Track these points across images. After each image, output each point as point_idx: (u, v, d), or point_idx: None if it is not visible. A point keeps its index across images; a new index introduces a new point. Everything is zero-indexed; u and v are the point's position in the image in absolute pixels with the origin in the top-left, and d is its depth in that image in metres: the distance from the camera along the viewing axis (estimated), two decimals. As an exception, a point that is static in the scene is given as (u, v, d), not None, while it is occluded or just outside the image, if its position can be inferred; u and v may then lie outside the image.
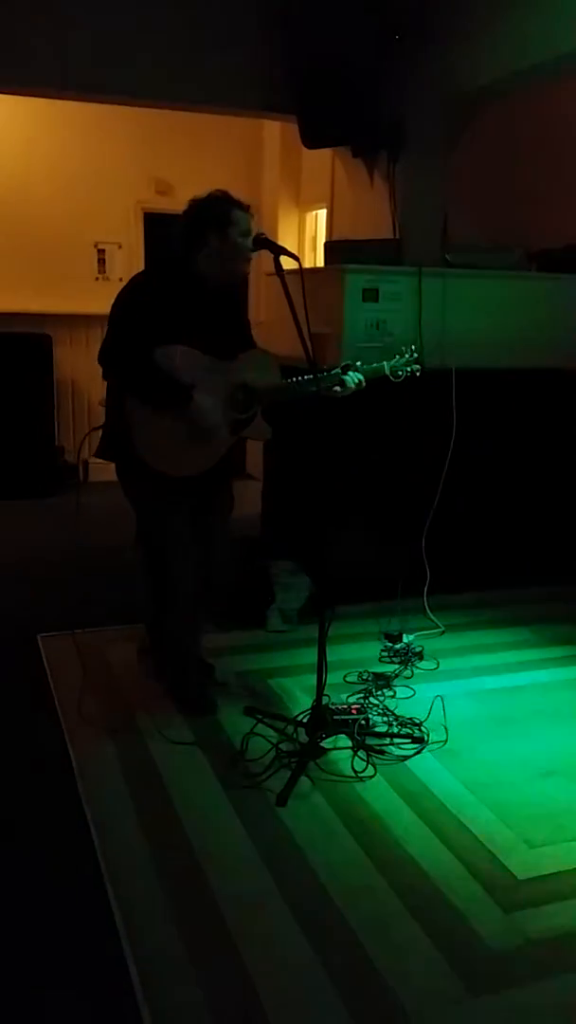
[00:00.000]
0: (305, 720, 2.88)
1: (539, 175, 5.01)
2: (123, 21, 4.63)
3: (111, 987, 1.90)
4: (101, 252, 6.85)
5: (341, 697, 3.15)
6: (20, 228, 6.64)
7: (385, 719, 3.03)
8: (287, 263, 2.80)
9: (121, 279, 6.22)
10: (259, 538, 4.70)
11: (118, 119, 6.30)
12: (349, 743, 2.85)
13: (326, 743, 2.83)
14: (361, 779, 2.70)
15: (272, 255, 2.81)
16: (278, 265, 2.78)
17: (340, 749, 2.84)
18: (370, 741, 2.87)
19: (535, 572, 4.42)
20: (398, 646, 3.63)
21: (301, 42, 4.73)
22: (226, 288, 3.00)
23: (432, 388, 4.04)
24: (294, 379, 2.95)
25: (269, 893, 2.20)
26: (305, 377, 2.86)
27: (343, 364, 2.99)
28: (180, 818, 2.49)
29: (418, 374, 3.16)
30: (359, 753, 2.80)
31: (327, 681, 2.86)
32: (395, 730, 2.96)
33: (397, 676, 3.41)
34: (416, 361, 3.13)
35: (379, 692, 3.25)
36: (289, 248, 2.88)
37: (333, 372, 2.95)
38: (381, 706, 3.13)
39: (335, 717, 2.90)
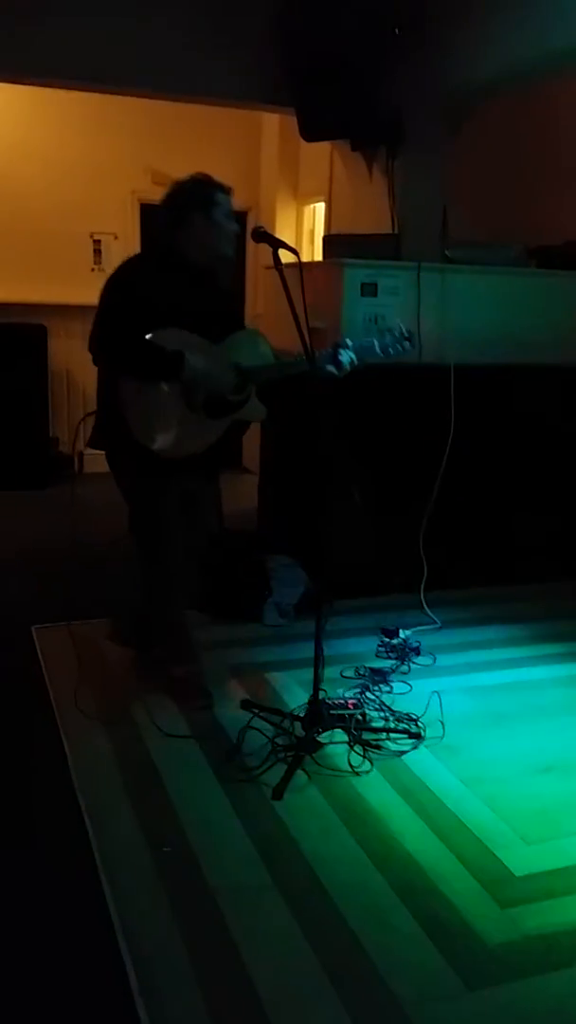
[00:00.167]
0: (302, 714, 2.87)
1: (538, 171, 5.00)
2: (121, 12, 4.60)
3: (107, 981, 1.90)
4: (97, 243, 6.82)
5: (338, 692, 3.15)
6: (15, 218, 6.60)
7: (382, 714, 3.03)
8: (286, 256, 2.78)
9: (117, 270, 6.19)
10: (255, 532, 4.69)
11: (115, 110, 6.26)
12: (345, 738, 2.84)
13: (322, 738, 2.83)
14: (357, 774, 2.70)
15: (271, 248, 2.79)
16: (276, 259, 2.76)
17: (336, 744, 2.83)
18: (366, 736, 2.87)
19: (533, 568, 4.42)
20: (395, 641, 3.62)
21: (301, 35, 4.71)
22: (212, 270, 3.01)
23: (430, 384, 4.05)
24: (286, 359, 2.95)
25: (265, 887, 2.20)
26: (297, 356, 2.86)
27: (334, 343, 2.97)
28: (176, 811, 2.48)
29: (409, 351, 3.11)
30: (355, 748, 2.80)
31: (324, 676, 2.85)
32: (392, 725, 2.96)
33: (394, 671, 3.40)
34: (406, 338, 3.07)
35: (376, 687, 3.25)
36: (287, 241, 2.87)
37: (325, 352, 2.93)
38: (378, 701, 3.12)
39: (331, 712, 2.89)
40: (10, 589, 4.28)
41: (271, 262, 2.80)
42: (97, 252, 6.80)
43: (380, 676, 3.34)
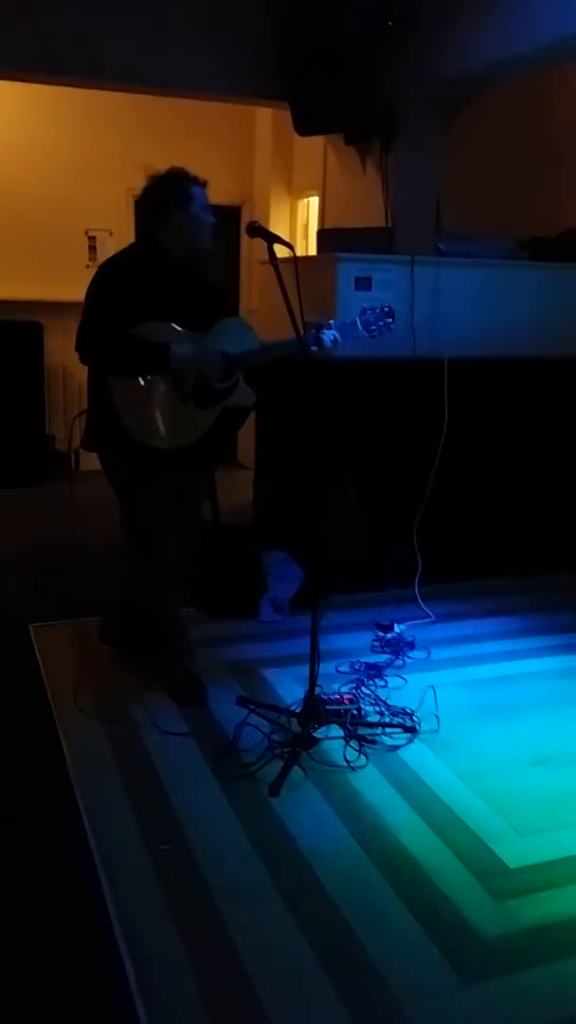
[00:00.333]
0: (298, 710, 2.88)
1: (532, 164, 4.99)
2: (113, 6, 4.58)
3: (105, 979, 1.91)
4: (92, 239, 6.81)
5: (333, 687, 3.16)
6: (10, 215, 6.58)
7: (377, 709, 3.04)
8: (281, 251, 2.79)
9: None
10: (251, 527, 4.69)
11: (108, 105, 6.24)
12: (341, 733, 2.85)
13: (318, 733, 2.84)
14: (353, 769, 2.71)
15: (266, 243, 2.80)
16: (272, 253, 2.77)
17: (332, 739, 2.84)
18: (362, 731, 2.88)
19: (526, 561, 4.43)
20: (390, 636, 3.63)
21: (294, 29, 4.69)
22: (195, 262, 3.05)
23: (424, 377, 4.05)
24: (270, 342, 3.00)
25: (262, 883, 2.21)
26: (281, 339, 2.89)
27: (316, 323, 2.99)
28: (174, 809, 2.49)
29: (391, 327, 3.11)
30: (351, 743, 2.81)
31: (319, 671, 2.86)
32: (387, 720, 2.97)
33: (389, 666, 3.41)
34: (388, 315, 3.07)
35: (371, 682, 3.26)
36: (281, 236, 2.88)
37: (308, 333, 2.95)
38: (373, 696, 3.14)
39: (327, 707, 2.90)
40: (7, 587, 4.29)
41: (265, 257, 2.80)
42: (92, 248, 6.79)
43: (375, 671, 3.35)
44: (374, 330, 3.08)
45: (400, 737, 2.89)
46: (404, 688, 3.24)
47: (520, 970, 1.97)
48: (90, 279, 2.92)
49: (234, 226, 7.04)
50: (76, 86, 5.22)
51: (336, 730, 2.87)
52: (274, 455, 4.59)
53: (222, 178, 6.73)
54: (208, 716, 3.03)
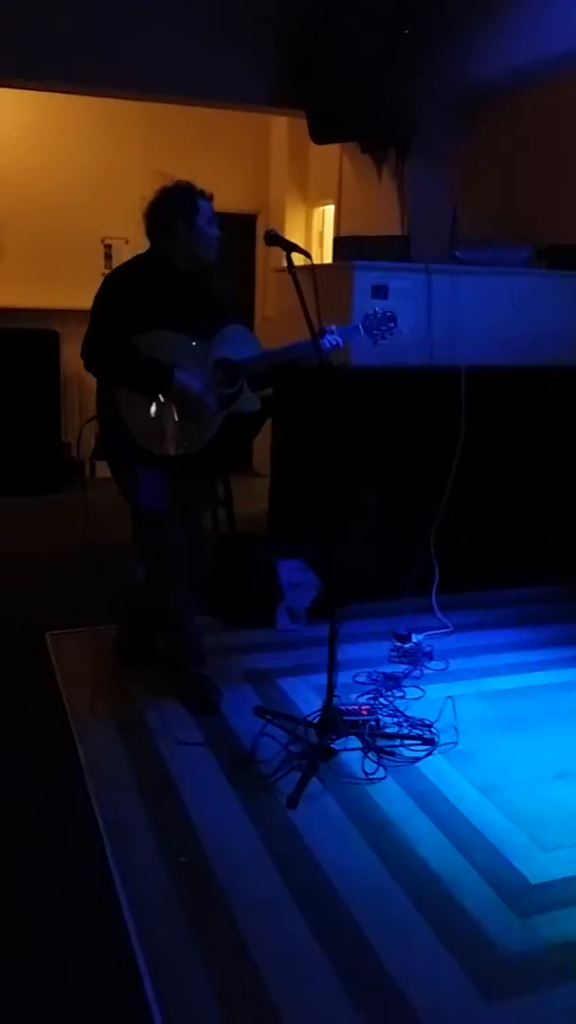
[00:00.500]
0: (315, 720, 2.86)
1: (548, 171, 4.96)
2: (130, 15, 4.60)
3: (123, 991, 1.89)
4: (108, 247, 6.82)
5: (351, 697, 3.14)
6: (26, 223, 6.61)
7: (395, 720, 3.01)
8: (298, 259, 2.78)
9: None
10: (266, 535, 4.68)
11: (125, 114, 6.28)
12: (359, 744, 2.83)
13: (336, 744, 2.81)
14: (372, 781, 2.69)
15: (284, 252, 2.80)
16: (290, 262, 2.77)
17: (350, 750, 2.82)
18: (380, 742, 2.85)
19: (545, 571, 4.39)
20: (407, 646, 3.61)
21: (310, 37, 4.70)
22: (198, 273, 3.07)
23: (441, 385, 4.03)
24: (273, 348, 3.04)
25: (281, 896, 2.19)
26: (283, 345, 2.92)
27: (319, 329, 2.99)
28: (191, 820, 2.48)
29: (394, 331, 3.12)
30: (370, 755, 2.78)
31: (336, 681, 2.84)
32: (406, 731, 2.94)
33: (406, 676, 3.39)
34: (391, 319, 3.08)
35: (389, 693, 3.23)
36: (296, 244, 2.87)
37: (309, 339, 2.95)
38: (391, 707, 3.11)
39: (345, 718, 2.88)
40: (24, 594, 4.29)
41: (281, 265, 2.80)
42: (108, 257, 6.80)
43: (393, 681, 3.32)
44: (376, 335, 3.09)
45: (419, 749, 2.86)
46: (422, 699, 3.22)
47: (543, 988, 1.94)
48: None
49: (249, 234, 7.07)
50: (93, 95, 5.26)
51: (354, 741, 2.84)
52: (290, 462, 4.57)
53: (237, 186, 6.80)
54: (225, 725, 3.01)
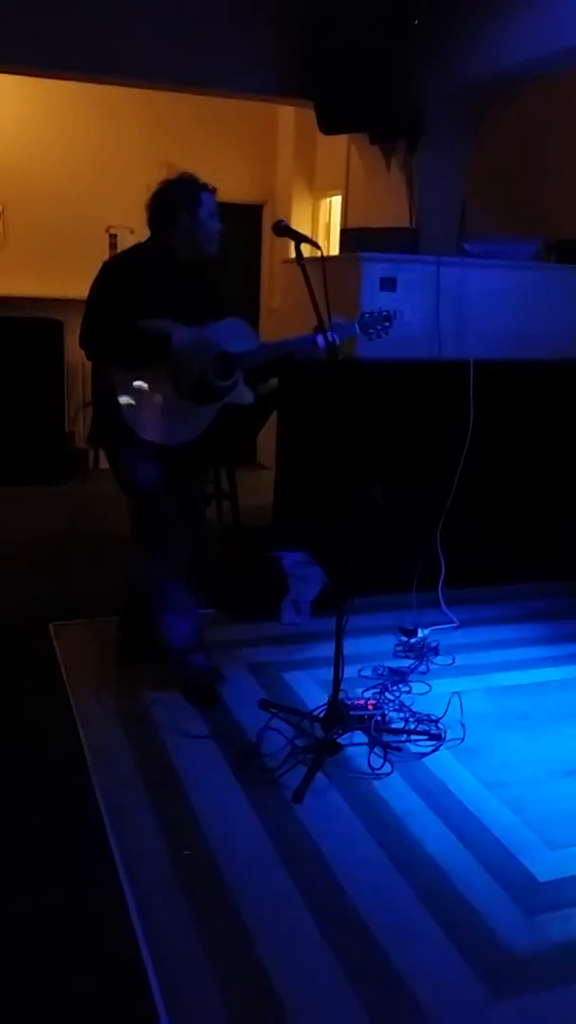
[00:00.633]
0: (321, 715, 2.84)
1: (559, 164, 4.93)
2: (138, 3, 4.56)
3: (127, 985, 1.88)
4: (113, 237, 6.78)
5: (356, 692, 3.12)
6: (31, 212, 6.58)
7: (401, 715, 3.00)
8: (306, 251, 2.76)
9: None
10: (271, 528, 4.66)
11: (131, 103, 6.23)
12: (365, 739, 2.81)
13: (342, 739, 2.80)
14: (378, 776, 2.67)
15: (293, 242, 2.77)
16: (299, 253, 2.74)
17: (356, 745, 2.80)
18: (387, 738, 2.84)
19: (552, 566, 4.37)
20: (413, 640, 3.59)
21: (320, 26, 4.66)
22: (198, 265, 3.07)
23: (449, 379, 4.01)
24: (270, 342, 3.05)
25: (286, 891, 2.17)
26: (279, 339, 2.89)
27: (314, 326, 2.98)
28: (196, 814, 2.46)
29: (390, 329, 3.16)
30: (376, 750, 2.77)
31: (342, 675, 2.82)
32: (412, 726, 2.93)
33: (413, 671, 3.37)
34: (387, 319, 3.11)
35: (394, 687, 3.22)
36: (306, 235, 2.85)
37: (307, 335, 2.99)
38: (397, 702, 3.09)
39: (351, 712, 2.86)
40: (27, 585, 4.27)
41: (287, 256, 2.77)
42: (113, 246, 6.75)
43: (399, 676, 3.30)
44: (372, 333, 3.13)
45: (425, 744, 2.85)
46: (428, 694, 3.20)
47: (551, 987, 1.93)
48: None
49: (255, 225, 7.03)
50: (99, 83, 5.21)
51: (360, 736, 2.83)
52: (295, 455, 4.55)
53: (243, 176, 6.76)
54: (230, 719, 2.99)
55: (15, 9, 4.36)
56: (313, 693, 3.16)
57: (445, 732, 2.91)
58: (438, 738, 2.87)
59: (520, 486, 4.36)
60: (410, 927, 2.08)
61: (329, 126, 4.90)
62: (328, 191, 6.57)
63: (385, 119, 4.71)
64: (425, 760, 2.78)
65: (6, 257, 6.62)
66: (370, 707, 2.93)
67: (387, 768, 2.71)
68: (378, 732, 2.83)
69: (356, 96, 4.64)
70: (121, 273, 2.95)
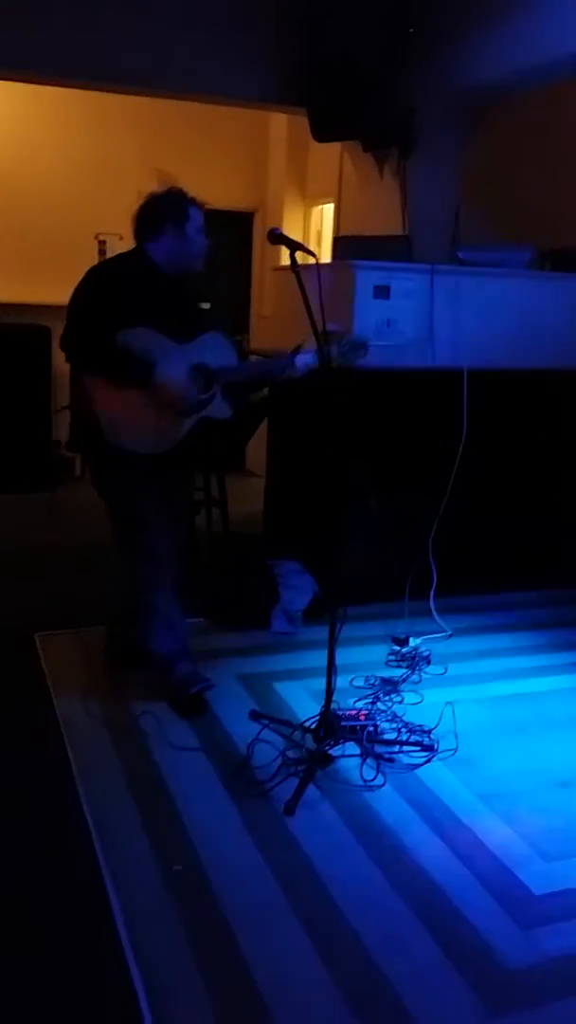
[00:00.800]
0: (312, 726, 2.80)
1: (553, 172, 4.95)
2: (129, 9, 4.54)
3: (117, 1000, 1.83)
4: (102, 243, 6.75)
5: (348, 702, 3.09)
6: (20, 218, 6.54)
7: (393, 726, 2.96)
8: (301, 258, 2.74)
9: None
10: (262, 536, 4.63)
11: (121, 109, 6.21)
12: (357, 750, 2.78)
13: (334, 750, 2.76)
14: (371, 788, 2.64)
15: (288, 250, 2.76)
16: (294, 261, 2.72)
17: (348, 757, 2.77)
18: (379, 749, 2.80)
19: (544, 575, 4.36)
20: (405, 650, 3.56)
21: (313, 34, 4.65)
22: (181, 278, 3.05)
23: (442, 387, 3.99)
24: (248, 360, 3.03)
25: (278, 905, 2.13)
26: (258, 358, 2.87)
27: (295, 346, 3.00)
28: (186, 827, 2.42)
29: (363, 358, 3.08)
30: (368, 761, 2.73)
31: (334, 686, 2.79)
32: (404, 737, 2.89)
33: (405, 681, 3.34)
34: (362, 346, 3.06)
35: (387, 697, 3.18)
36: (301, 243, 2.83)
37: (288, 356, 2.99)
38: (389, 712, 3.06)
39: (343, 723, 2.83)
40: (12, 593, 4.21)
41: (278, 264, 2.75)
42: (102, 253, 6.72)
43: (391, 686, 3.27)
44: (344, 361, 3.05)
45: (418, 755, 2.81)
46: (421, 704, 3.17)
47: (547, 1002, 1.90)
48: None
49: (247, 232, 7.02)
50: (90, 89, 5.19)
51: (352, 747, 2.79)
52: (286, 463, 4.52)
53: (235, 184, 6.74)
54: (219, 730, 2.95)
55: (5, 14, 4.33)
56: (304, 703, 3.12)
57: (438, 743, 2.87)
58: (431, 749, 2.84)
59: (513, 495, 4.35)
60: (403, 940, 2.04)
61: (322, 133, 4.90)
62: (320, 198, 6.57)
63: (378, 127, 4.70)
64: (418, 771, 2.74)
65: (-6, 262, 6.58)
66: (362, 718, 2.89)
67: (380, 780, 2.67)
68: (370, 743, 2.79)
69: (349, 103, 4.63)
70: (106, 280, 2.92)
